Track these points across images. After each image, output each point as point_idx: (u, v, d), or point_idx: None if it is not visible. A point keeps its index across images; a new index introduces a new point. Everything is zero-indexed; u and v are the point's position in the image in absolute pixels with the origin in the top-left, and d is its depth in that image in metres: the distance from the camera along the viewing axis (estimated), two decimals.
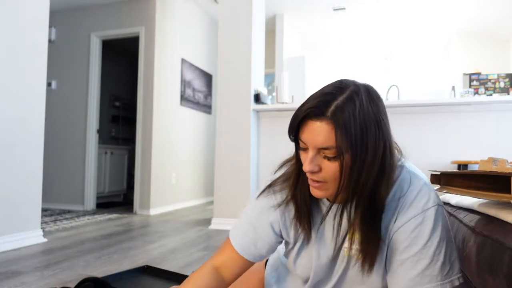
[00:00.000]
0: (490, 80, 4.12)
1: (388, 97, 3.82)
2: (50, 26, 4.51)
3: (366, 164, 0.65)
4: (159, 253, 2.42)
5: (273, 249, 0.85)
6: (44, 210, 4.30)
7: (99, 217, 3.94)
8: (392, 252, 0.72)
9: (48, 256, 2.32)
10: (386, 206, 0.70)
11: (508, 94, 4.01)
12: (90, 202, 4.59)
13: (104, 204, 4.98)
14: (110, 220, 3.77)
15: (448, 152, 2.97)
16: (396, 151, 0.73)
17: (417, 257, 0.68)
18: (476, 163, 2.69)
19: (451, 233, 0.74)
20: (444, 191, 0.79)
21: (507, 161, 0.76)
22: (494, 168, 0.76)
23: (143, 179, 4.28)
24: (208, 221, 3.64)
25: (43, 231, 2.92)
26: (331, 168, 0.66)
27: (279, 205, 0.80)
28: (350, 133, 0.63)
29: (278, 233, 0.82)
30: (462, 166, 2.80)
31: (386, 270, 0.74)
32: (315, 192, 0.71)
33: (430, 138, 3.01)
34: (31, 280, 1.83)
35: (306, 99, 0.71)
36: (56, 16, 4.62)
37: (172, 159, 4.66)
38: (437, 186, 0.84)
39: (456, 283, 0.69)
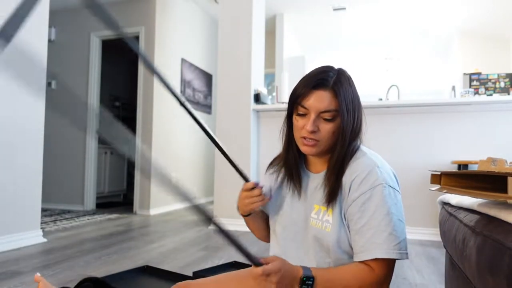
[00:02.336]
0: (490, 80, 4.12)
1: (388, 97, 3.81)
2: (50, 26, 4.51)
3: (350, 124, 0.84)
4: (159, 253, 2.42)
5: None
6: (44, 210, 4.30)
7: (99, 217, 3.94)
8: (348, 223, 0.85)
9: (48, 256, 2.32)
10: (342, 182, 0.85)
11: (508, 94, 4.01)
12: (90, 202, 4.59)
13: (104, 204, 4.97)
14: (110, 220, 3.77)
15: (448, 152, 2.96)
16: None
17: (366, 227, 0.81)
18: (476, 163, 2.69)
19: (403, 217, 0.85)
20: (444, 191, 0.79)
21: (506, 161, 0.76)
22: (493, 168, 0.76)
23: (143, 179, 4.28)
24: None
25: (43, 231, 2.92)
26: (327, 128, 0.84)
27: (272, 173, 1.04)
28: (346, 99, 0.83)
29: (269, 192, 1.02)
30: (462, 166, 2.80)
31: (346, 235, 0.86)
32: (307, 149, 0.86)
33: (430, 138, 3.01)
34: (31, 280, 1.83)
35: (300, 80, 0.88)
36: (56, 16, 4.61)
37: (172, 159, 4.66)
38: (437, 186, 0.84)
39: (404, 257, 0.81)
